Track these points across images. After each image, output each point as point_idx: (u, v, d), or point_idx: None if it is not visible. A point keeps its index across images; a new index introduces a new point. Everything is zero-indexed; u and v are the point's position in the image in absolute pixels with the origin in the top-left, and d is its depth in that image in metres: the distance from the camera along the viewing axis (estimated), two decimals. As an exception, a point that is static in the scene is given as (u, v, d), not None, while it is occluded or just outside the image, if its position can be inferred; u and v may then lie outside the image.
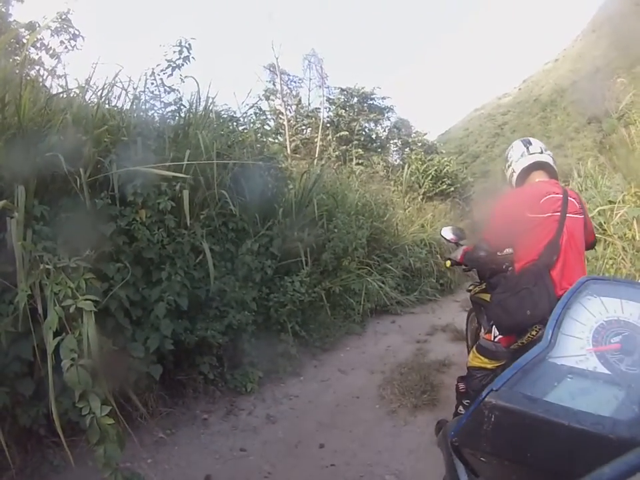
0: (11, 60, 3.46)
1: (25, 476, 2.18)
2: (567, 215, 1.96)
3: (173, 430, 2.85)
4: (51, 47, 5.02)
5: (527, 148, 2.18)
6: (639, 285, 1.07)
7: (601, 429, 0.75)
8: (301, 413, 3.23)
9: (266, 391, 3.49)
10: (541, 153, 2.17)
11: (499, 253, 2.41)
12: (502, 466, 0.88)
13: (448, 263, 2.75)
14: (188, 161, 3.10)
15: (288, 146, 10.24)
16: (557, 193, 1.99)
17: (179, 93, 3.89)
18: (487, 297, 2.71)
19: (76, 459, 2.12)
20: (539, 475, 0.83)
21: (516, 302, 1.89)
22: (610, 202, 4.83)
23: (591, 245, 2.42)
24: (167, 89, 3.82)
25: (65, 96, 3.21)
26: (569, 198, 2.00)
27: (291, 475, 2.49)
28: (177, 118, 3.94)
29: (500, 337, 2.15)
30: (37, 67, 4.14)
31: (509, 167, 2.22)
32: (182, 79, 3.87)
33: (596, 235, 2.52)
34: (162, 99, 3.83)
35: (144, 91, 3.75)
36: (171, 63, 3.79)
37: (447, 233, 2.93)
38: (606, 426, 0.75)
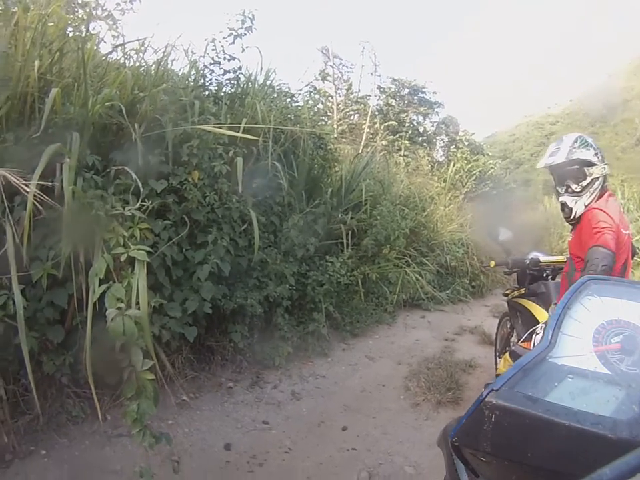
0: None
1: (42, 423, 2.21)
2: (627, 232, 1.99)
3: (196, 394, 2.89)
4: (106, 8, 5.06)
5: None
6: (639, 284, 1.05)
7: (601, 429, 0.75)
8: (327, 394, 3.22)
9: (293, 368, 3.50)
10: None
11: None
12: (502, 466, 0.88)
13: (492, 264, 2.77)
14: (243, 131, 3.06)
15: (335, 129, 10.16)
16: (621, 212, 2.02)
17: (239, 62, 3.88)
18: (525, 302, 2.67)
19: (94, 411, 2.13)
20: (539, 475, 0.82)
21: None
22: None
23: None
24: (228, 56, 3.81)
25: (122, 53, 3.22)
26: None
27: (311, 454, 2.49)
28: (234, 86, 3.94)
29: None
30: (97, 22, 4.14)
31: (603, 165, 2.11)
32: (243, 49, 3.86)
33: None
34: (221, 66, 3.83)
35: (203, 56, 3.77)
36: (233, 32, 3.77)
37: (503, 233, 3.10)
38: (606, 426, 0.75)
